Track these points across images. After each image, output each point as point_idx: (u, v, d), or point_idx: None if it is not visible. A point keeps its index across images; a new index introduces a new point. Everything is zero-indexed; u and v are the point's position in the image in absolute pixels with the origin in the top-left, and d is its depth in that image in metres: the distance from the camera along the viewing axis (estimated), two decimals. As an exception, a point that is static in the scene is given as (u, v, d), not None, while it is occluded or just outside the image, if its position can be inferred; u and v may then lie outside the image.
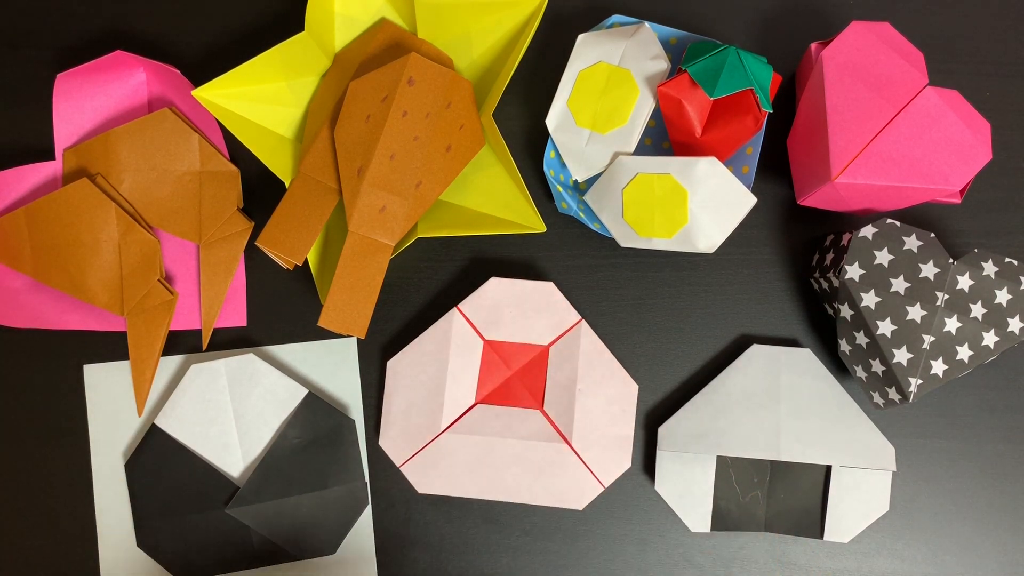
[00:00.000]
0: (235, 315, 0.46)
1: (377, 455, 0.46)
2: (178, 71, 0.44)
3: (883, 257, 0.41)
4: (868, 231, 0.41)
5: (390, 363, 0.45)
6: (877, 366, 0.41)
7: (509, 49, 0.45)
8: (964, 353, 0.40)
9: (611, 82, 0.42)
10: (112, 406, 0.46)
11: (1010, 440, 0.45)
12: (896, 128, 0.40)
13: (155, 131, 0.45)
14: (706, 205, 0.40)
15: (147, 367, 0.45)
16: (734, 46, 0.41)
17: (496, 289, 0.45)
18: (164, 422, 0.45)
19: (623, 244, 0.42)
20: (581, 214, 0.44)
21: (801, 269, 0.46)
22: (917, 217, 0.47)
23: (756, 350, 0.45)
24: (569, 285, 0.46)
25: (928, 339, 0.40)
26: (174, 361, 0.46)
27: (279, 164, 0.44)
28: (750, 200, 0.41)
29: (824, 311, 0.46)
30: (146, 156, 0.45)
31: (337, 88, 0.45)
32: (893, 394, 0.41)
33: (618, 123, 0.42)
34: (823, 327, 0.46)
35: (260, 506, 0.44)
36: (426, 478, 0.44)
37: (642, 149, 0.44)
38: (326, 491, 0.45)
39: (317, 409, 0.45)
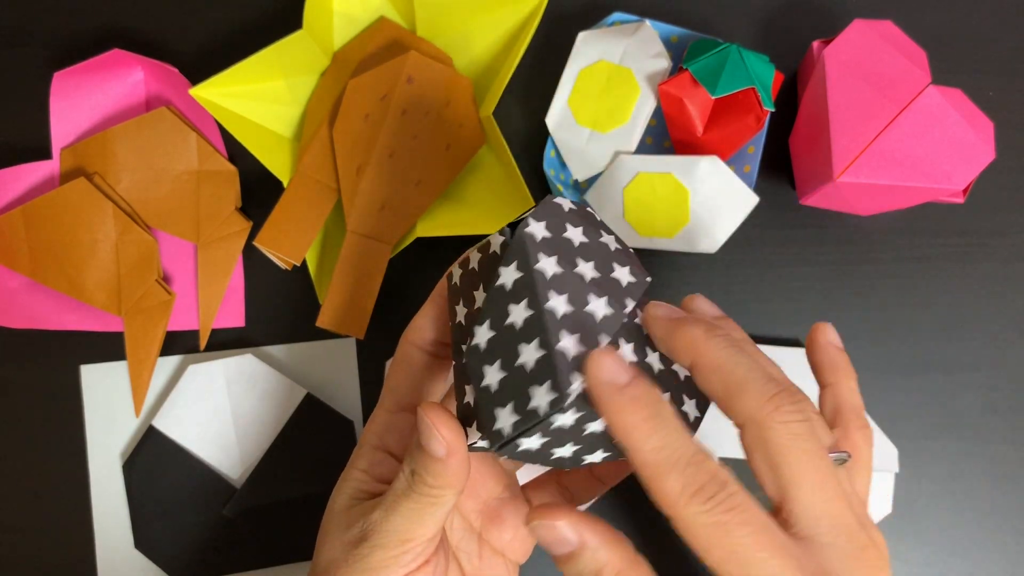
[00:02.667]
0: (233, 315, 0.46)
1: (376, 456, 0.45)
2: (176, 70, 0.44)
3: (575, 235, 0.29)
4: (564, 203, 0.30)
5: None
6: (529, 354, 0.27)
7: (509, 47, 0.45)
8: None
9: (612, 80, 0.42)
10: (109, 407, 0.45)
11: (1013, 441, 0.45)
12: (899, 127, 0.39)
13: (153, 130, 0.45)
14: (708, 204, 0.40)
15: (145, 368, 0.45)
16: (736, 44, 0.41)
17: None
18: (162, 423, 0.44)
19: (624, 244, 0.42)
20: (581, 213, 0.44)
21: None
22: (919, 217, 0.46)
23: (757, 350, 0.44)
24: (569, 285, 0.46)
25: (605, 339, 0.27)
26: (172, 362, 0.46)
27: (277, 163, 0.44)
28: (752, 199, 0.41)
29: (825, 314, 0.46)
30: (144, 155, 0.45)
31: (336, 87, 0.45)
32: (539, 397, 0.26)
33: (619, 122, 0.42)
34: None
35: (258, 507, 0.44)
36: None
37: (643, 148, 0.44)
38: (325, 492, 0.44)
39: (316, 410, 0.45)
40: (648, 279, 0.30)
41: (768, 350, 0.44)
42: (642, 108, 0.42)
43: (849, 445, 0.31)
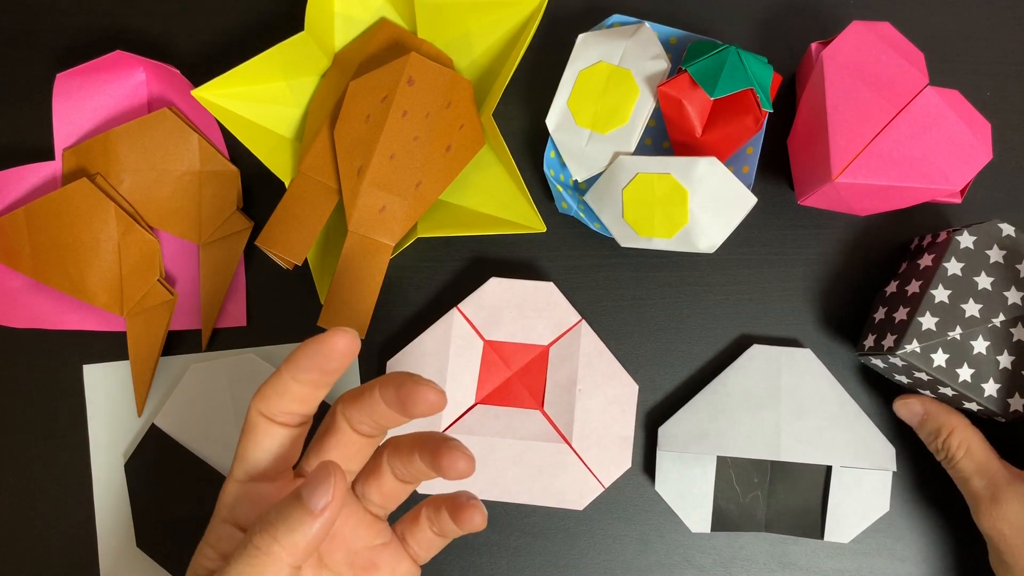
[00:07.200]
0: (235, 315, 0.46)
1: (377, 455, 0.46)
2: (178, 71, 0.44)
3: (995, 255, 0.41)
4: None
5: (390, 363, 0.45)
6: (900, 314, 0.41)
7: (509, 49, 0.45)
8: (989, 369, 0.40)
9: (611, 82, 0.42)
10: (112, 406, 0.46)
11: (1013, 440, 0.45)
12: (896, 128, 0.40)
13: (155, 131, 0.45)
14: (706, 205, 0.40)
15: (147, 367, 0.45)
16: (734, 46, 0.41)
17: (496, 289, 0.45)
18: (164, 422, 0.45)
19: (623, 244, 0.42)
20: (581, 214, 0.44)
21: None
22: (917, 217, 0.46)
23: (756, 350, 0.45)
24: (569, 285, 0.46)
25: (958, 333, 0.40)
26: (174, 361, 0.46)
27: (279, 164, 0.44)
28: (750, 200, 0.41)
29: (824, 314, 0.46)
30: (146, 156, 0.45)
31: (337, 88, 0.45)
32: (887, 341, 0.41)
33: (618, 123, 0.42)
34: (824, 327, 0.46)
35: (260, 506, 0.44)
36: (426, 478, 0.44)
37: (642, 149, 0.44)
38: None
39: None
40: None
41: (767, 350, 0.45)
42: (641, 109, 0.42)
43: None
